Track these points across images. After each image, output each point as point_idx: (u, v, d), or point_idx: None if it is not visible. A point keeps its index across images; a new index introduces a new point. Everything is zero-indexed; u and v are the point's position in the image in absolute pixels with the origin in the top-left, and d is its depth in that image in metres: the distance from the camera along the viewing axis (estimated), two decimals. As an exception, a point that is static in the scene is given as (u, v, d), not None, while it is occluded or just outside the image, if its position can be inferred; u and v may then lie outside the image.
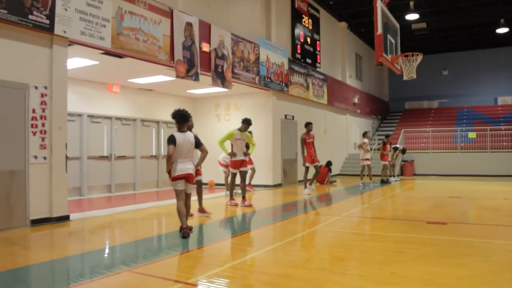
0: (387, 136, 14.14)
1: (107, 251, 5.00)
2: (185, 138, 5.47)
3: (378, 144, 17.81)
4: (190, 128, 6.61)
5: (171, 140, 5.36)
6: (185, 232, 5.38)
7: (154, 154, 12.73)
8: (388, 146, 13.81)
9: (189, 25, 9.48)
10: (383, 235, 5.53)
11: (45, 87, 6.73)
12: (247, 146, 8.96)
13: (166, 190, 12.00)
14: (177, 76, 9.26)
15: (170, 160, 5.36)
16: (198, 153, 5.89)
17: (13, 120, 6.35)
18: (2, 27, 6.10)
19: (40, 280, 3.86)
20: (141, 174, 12.12)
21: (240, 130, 8.35)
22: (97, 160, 10.99)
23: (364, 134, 13.23)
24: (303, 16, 15.01)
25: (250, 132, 8.74)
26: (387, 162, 13.86)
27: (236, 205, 8.39)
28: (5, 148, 6.25)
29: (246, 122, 8.34)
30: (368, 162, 12.81)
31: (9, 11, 6.05)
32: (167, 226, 6.76)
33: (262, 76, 12.16)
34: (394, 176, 15.30)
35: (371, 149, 13.40)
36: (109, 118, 11.34)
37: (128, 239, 5.72)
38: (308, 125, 10.49)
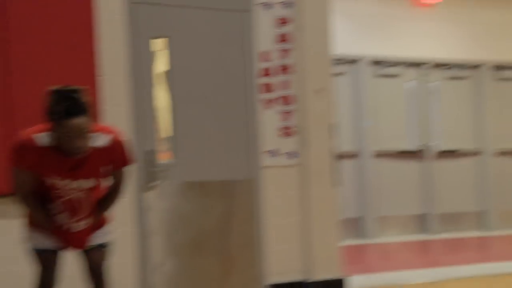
0: None
1: None
2: None
3: None
4: None
5: None
6: None
7: None
8: None
9: None
10: None
11: (285, 4, 6.89)
12: None
13: None
14: None
15: None
16: None
17: (228, 76, 6.67)
18: None
19: None
20: (500, 192, 12.29)
21: None
22: (395, 160, 11.76)
23: None
24: None
25: None
26: None
27: None
28: (217, 136, 6.58)
29: None
30: None
31: None
32: None
33: None
34: None
35: None
36: (417, 65, 11.88)
37: None
38: None
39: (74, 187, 3.85)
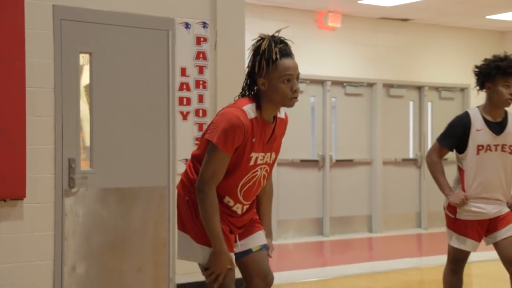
0: None
1: None
2: None
3: None
4: None
5: None
6: None
7: (411, 156, 13.19)
8: None
9: None
10: None
11: (204, 25, 6.97)
12: None
13: (437, 233, 12.06)
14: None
15: None
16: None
17: (148, 91, 6.74)
18: None
19: None
20: (385, 199, 12.48)
21: None
22: (298, 169, 11.68)
23: None
24: None
25: None
26: None
27: None
28: (134, 145, 6.64)
29: None
30: None
31: None
32: None
33: None
34: None
35: None
36: (321, 82, 11.98)
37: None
38: None
39: (266, 162, 3.63)
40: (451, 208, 4.92)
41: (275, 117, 3.57)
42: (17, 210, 5.98)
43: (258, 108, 3.45)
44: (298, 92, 3.47)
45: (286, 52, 3.46)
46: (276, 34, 3.52)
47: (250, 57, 3.50)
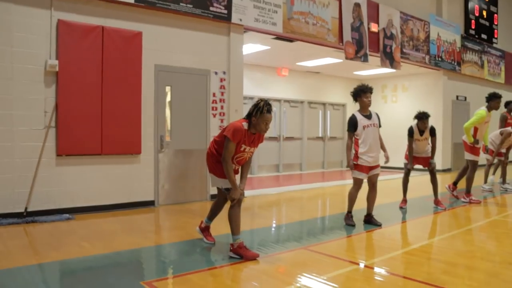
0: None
1: (278, 227, 5.13)
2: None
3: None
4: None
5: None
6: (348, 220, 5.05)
7: (320, 135, 12.61)
8: None
9: (357, 6, 8.88)
10: None
11: (224, 73, 6.89)
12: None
13: (331, 171, 11.98)
14: (346, 58, 8.75)
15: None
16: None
17: (197, 103, 6.69)
18: (188, 20, 6.41)
19: (218, 250, 3.98)
20: (308, 155, 12.12)
21: (491, 108, 6.51)
22: (266, 141, 11.02)
23: None
24: (478, -14, 13.36)
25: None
26: None
27: (478, 202, 6.62)
28: (190, 129, 6.63)
29: (497, 98, 6.52)
30: None
31: (194, 5, 6.33)
32: (336, 207, 6.74)
33: (432, 55, 11.22)
34: None
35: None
36: (278, 100, 11.48)
37: (297, 217, 5.79)
38: (509, 104, 8.29)
39: (250, 151, 3.63)
40: (355, 158, 4.81)
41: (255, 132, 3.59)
42: (137, 159, 6.09)
43: (249, 126, 3.54)
44: (268, 128, 3.52)
45: (269, 110, 3.49)
46: (267, 100, 3.54)
47: (253, 106, 3.52)
